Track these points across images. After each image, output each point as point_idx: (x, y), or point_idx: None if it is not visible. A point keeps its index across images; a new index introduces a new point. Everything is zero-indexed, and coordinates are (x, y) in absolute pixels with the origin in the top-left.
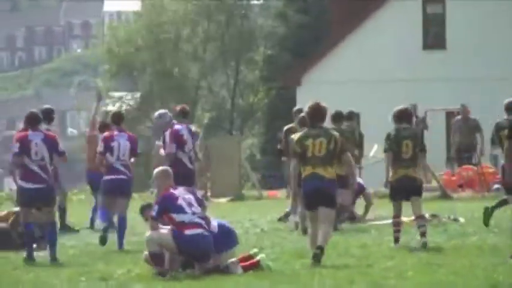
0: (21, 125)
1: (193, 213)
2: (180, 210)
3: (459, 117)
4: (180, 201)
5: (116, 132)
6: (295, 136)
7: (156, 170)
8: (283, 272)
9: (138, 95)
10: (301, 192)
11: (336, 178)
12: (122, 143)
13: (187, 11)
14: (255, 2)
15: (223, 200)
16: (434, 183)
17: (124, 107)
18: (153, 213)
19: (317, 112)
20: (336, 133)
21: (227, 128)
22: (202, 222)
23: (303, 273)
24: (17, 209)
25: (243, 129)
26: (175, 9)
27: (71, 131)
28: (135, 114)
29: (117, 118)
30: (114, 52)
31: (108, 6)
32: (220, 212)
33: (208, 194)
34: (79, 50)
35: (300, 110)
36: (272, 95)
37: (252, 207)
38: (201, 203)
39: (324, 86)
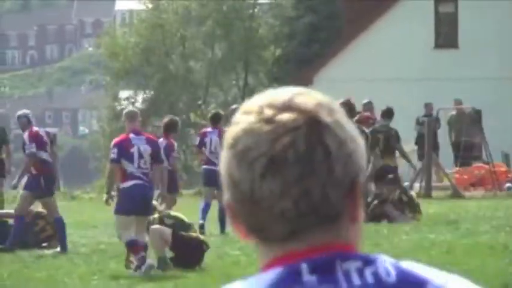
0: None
1: (139, 167)
2: (130, 158)
3: (454, 112)
4: (133, 150)
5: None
6: None
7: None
8: None
9: (144, 95)
10: None
11: None
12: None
13: (191, 10)
14: (264, 1)
15: None
16: (446, 182)
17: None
18: (113, 155)
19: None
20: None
21: None
22: (143, 176)
23: None
24: (34, 209)
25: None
26: (178, 9)
27: (82, 129)
28: (145, 114)
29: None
30: (118, 55)
31: (120, 5)
32: None
33: None
34: (90, 49)
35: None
36: None
37: None
38: (158, 159)
39: (336, 85)
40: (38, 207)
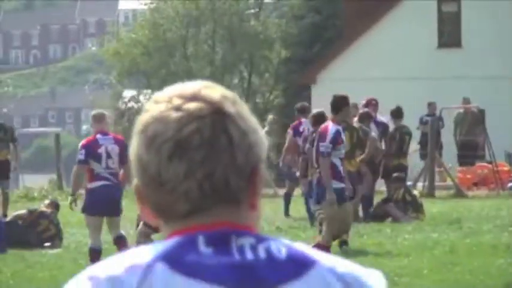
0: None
1: (107, 167)
2: (97, 159)
3: (461, 110)
4: (101, 150)
5: None
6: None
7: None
8: None
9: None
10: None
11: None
12: None
13: (191, 11)
14: (268, 1)
15: None
16: (449, 181)
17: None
18: (81, 156)
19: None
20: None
21: None
22: (111, 177)
23: None
24: (37, 209)
25: None
26: (178, 9)
27: (85, 128)
28: None
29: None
30: (121, 55)
31: (123, 5)
32: None
33: None
34: (94, 48)
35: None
36: (286, 94)
37: (267, 205)
38: (126, 158)
39: (339, 84)
40: (41, 206)
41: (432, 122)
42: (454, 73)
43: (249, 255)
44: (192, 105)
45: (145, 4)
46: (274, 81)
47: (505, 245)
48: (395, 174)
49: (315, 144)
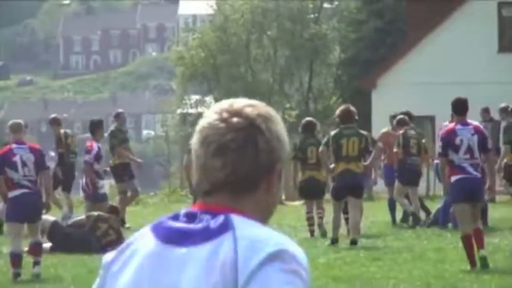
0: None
1: (24, 175)
2: (13, 167)
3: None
4: (16, 159)
5: None
6: (331, 133)
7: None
8: (360, 275)
9: (212, 98)
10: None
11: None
12: None
13: (254, 15)
14: (327, 6)
15: (297, 203)
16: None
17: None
18: None
19: (348, 114)
20: (365, 133)
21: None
22: (30, 184)
23: (378, 277)
24: (95, 213)
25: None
26: (242, 14)
27: (147, 132)
28: None
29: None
30: (185, 58)
31: (183, 10)
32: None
33: (283, 197)
34: (154, 54)
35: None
36: (346, 99)
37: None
38: (42, 166)
39: (398, 88)
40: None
41: (492, 128)
42: None
43: (194, 225)
44: (235, 120)
45: (211, 6)
46: (334, 86)
47: None
48: None
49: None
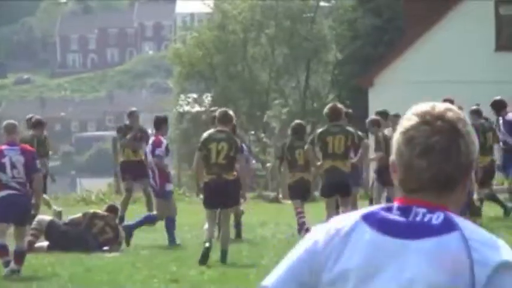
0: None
1: (13, 177)
2: (2, 168)
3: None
4: (5, 160)
5: None
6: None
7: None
8: None
9: (209, 97)
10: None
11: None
12: None
13: (253, 14)
14: (324, 4)
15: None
16: (505, 185)
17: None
18: None
19: (335, 111)
20: (352, 130)
21: None
22: (18, 186)
23: None
24: (91, 210)
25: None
26: (241, 12)
27: None
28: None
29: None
30: (182, 56)
31: (181, 8)
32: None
33: (280, 195)
34: (151, 52)
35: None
36: (343, 97)
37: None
38: (32, 168)
39: (395, 87)
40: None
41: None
42: (511, 77)
43: (410, 219)
44: (438, 123)
45: (208, 5)
46: (331, 85)
47: None
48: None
49: None
